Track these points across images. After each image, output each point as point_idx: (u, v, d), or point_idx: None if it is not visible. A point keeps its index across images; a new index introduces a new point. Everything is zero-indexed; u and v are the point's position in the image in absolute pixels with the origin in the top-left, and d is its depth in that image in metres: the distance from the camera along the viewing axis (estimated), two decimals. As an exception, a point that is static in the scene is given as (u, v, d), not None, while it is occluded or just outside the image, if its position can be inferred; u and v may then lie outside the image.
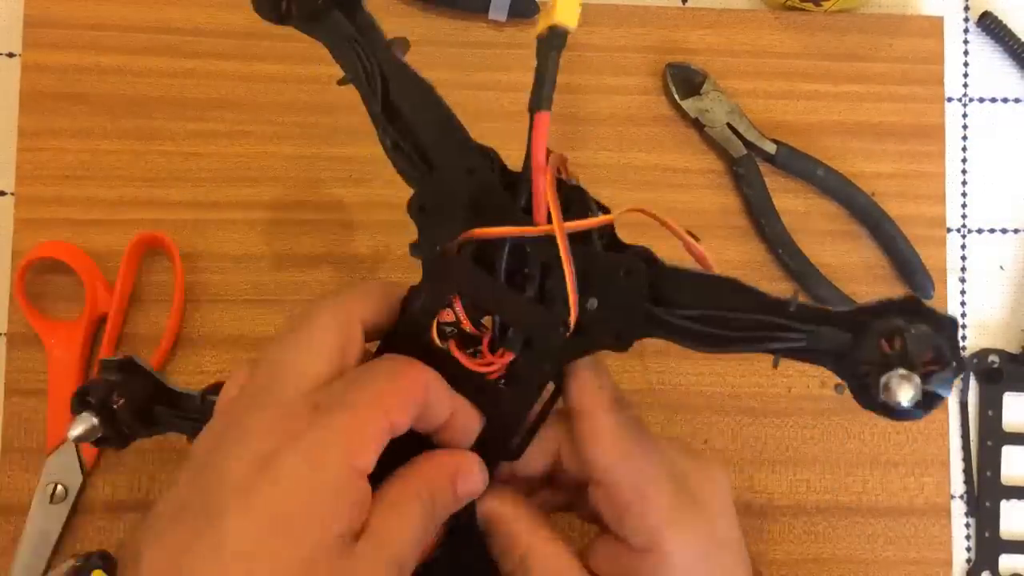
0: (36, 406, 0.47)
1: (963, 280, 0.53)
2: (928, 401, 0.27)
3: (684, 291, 0.31)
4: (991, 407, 0.51)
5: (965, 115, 0.53)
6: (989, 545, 0.51)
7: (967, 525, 0.51)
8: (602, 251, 0.33)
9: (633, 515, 0.32)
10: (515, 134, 0.50)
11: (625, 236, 0.34)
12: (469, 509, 0.34)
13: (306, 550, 0.27)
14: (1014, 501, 0.51)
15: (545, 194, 0.32)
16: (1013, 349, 0.52)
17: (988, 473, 0.51)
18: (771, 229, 0.50)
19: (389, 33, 0.50)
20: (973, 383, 0.52)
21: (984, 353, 0.52)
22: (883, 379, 0.28)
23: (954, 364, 0.27)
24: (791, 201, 0.51)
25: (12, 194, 0.48)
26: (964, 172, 0.53)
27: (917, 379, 0.27)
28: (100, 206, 0.48)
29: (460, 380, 0.33)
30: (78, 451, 0.46)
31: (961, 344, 0.52)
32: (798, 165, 0.51)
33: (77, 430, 0.38)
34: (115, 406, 0.39)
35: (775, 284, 0.50)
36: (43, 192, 0.48)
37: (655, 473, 0.32)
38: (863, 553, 0.49)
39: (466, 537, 0.34)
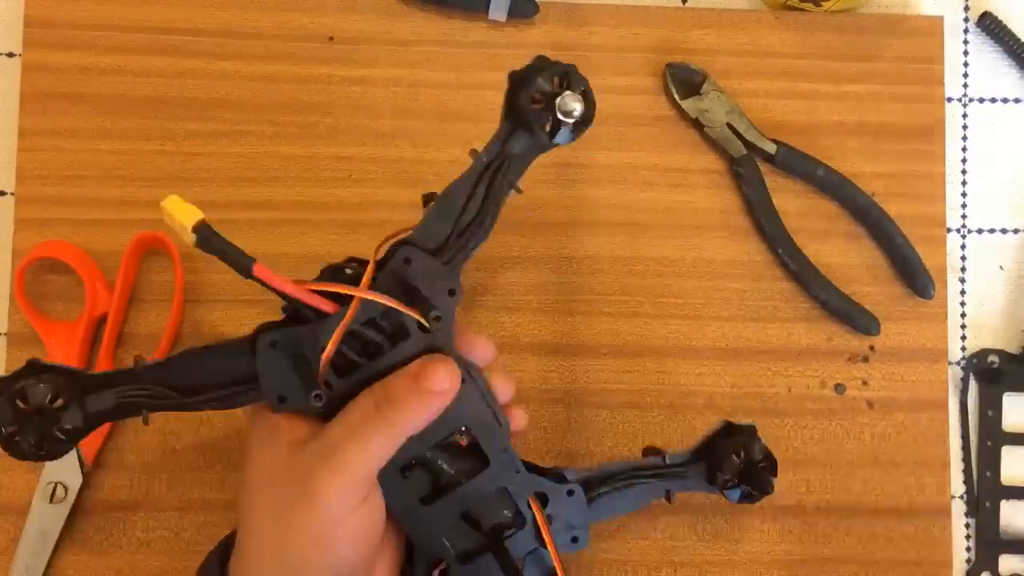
0: (36, 406, 0.47)
1: (963, 280, 0.53)
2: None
3: (432, 228, 0.38)
4: (991, 407, 0.51)
5: (965, 115, 0.53)
6: (989, 545, 0.51)
7: (967, 525, 0.51)
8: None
9: None
10: (515, 134, 0.50)
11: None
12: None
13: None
14: (1014, 501, 0.51)
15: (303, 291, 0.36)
16: (1013, 349, 0.52)
17: (988, 473, 0.51)
18: (771, 229, 0.50)
19: (387, 33, 0.50)
20: (973, 383, 0.52)
21: (984, 353, 0.52)
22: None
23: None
24: (791, 201, 0.51)
25: (12, 194, 0.48)
26: (964, 172, 0.53)
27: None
28: (100, 206, 0.48)
29: (424, 436, 0.37)
30: (78, 451, 0.46)
31: (961, 344, 0.52)
32: (798, 165, 0.51)
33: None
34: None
35: (775, 284, 0.50)
36: (43, 192, 0.48)
37: None
38: (863, 553, 0.49)
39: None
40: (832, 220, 0.51)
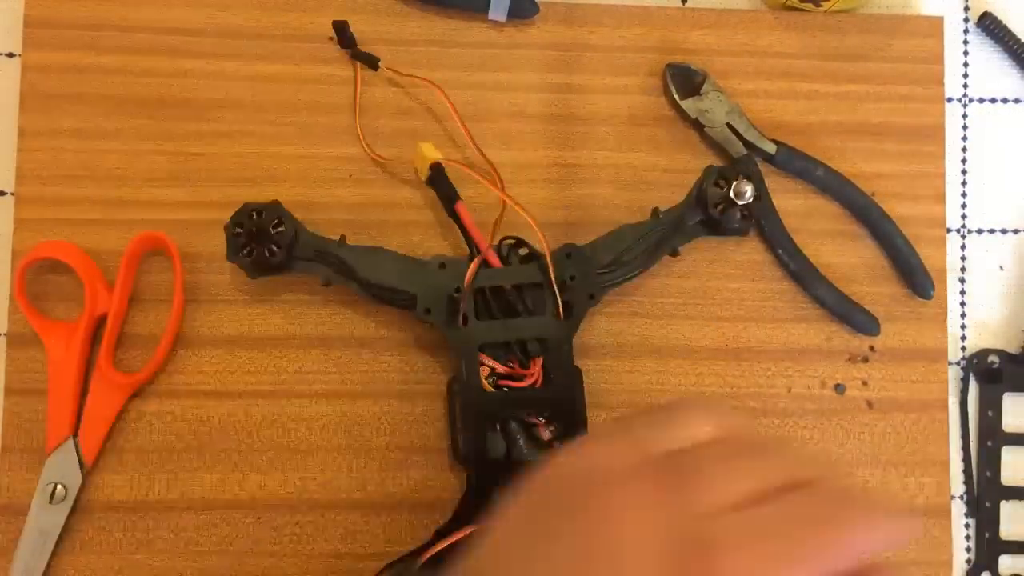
0: (36, 406, 0.47)
1: (963, 280, 0.53)
2: None
3: (599, 251, 0.46)
4: (991, 408, 0.51)
5: (965, 115, 0.53)
6: (989, 546, 0.51)
7: (967, 526, 0.51)
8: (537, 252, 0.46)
9: None
10: (515, 134, 0.51)
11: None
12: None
13: None
14: (1014, 502, 0.51)
15: (479, 236, 0.46)
16: (1013, 349, 0.52)
17: (988, 474, 0.51)
18: (771, 229, 0.50)
19: (387, 33, 0.51)
20: (973, 383, 0.52)
21: (984, 353, 0.52)
22: None
23: None
24: (791, 201, 0.51)
25: (12, 194, 0.48)
26: (964, 172, 0.53)
27: None
28: (100, 206, 0.48)
29: (519, 405, 0.45)
30: (78, 451, 0.46)
31: (961, 344, 0.52)
32: (798, 165, 0.51)
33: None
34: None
35: (775, 284, 0.50)
36: (43, 192, 0.48)
37: None
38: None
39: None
40: (832, 220, 0.51)
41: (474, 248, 0.46)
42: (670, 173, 0.51)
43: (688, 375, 0.50)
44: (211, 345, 0.48)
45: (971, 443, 0.51)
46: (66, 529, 0.46)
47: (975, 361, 0.52)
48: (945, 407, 0.51)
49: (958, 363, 0.52)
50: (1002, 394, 0.51)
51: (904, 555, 0.49)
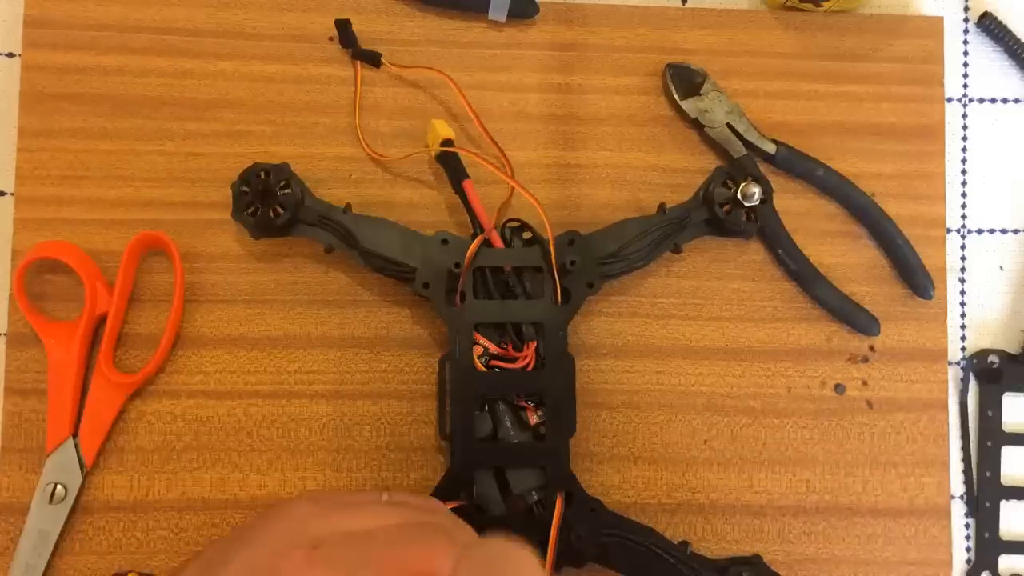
0: (36, 406, 0.47)
1: (963, 280, 0.53)
2: None
3: (601, 241, 0.47)
4: (991, 407, 0.51)
5: (965, 115, 0.53)
6: (989, 545, 0.51)
7: (967, 525, 0.51)
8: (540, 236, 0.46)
9: None
10: (515, 134, 0.51)
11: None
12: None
13: None
14: (1014, 501, 0.51)
15: (484, 214, 0.46)
16: (1013, 349, 0.52)
17: (988, 473, 0.51)
18: (771, 229, 0.50)
19: (388, 33, 0.51)
20: (973, 383, 0.52)
21: (984, 353, 0.52)
22: None
23: None
24: (791, 201, 0.51)
25: (12, 194, 0.48)
26: (964, 172, 0.53)
27: None
28: (100, 206, 0.48)
29: (509, 386, 0.45)
30: (78, 451, 0.46)
31: (961, 344, 0.52)
32: (798, 165, 0.51)
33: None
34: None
35: (775, 284, 0.50)
36: (43, 192, 0.48)
37: None
38: (863, 553, 0.49)
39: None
40: (832, 220, 0.51)
41: (478, 227, 0.46)
42: (670, 173, 0.51)
43: (688, 375, 0.50)
44: (211, 345, 0.48)
45: (971, 443, 0.51)
46: (66, 529, 0.46)
47: (975, 361, 0.52)
48: (945, 407, 0.51)
49: (958, 363, 0.52)
50: (1002, 394, 0.51)
51: (904, 555, 0.49)
